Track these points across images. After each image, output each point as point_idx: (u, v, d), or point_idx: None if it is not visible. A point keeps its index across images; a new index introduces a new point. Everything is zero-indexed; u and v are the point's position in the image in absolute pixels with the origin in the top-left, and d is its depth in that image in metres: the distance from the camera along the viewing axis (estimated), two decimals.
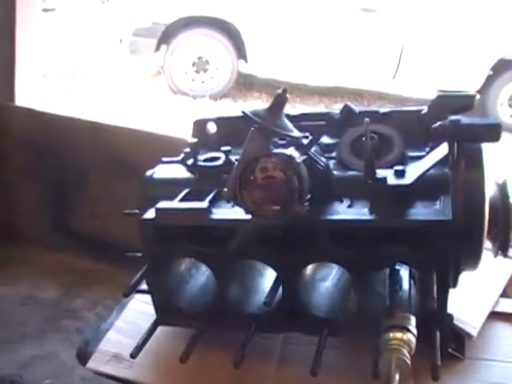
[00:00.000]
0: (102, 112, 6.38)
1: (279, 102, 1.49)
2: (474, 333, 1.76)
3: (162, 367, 1.71)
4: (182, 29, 7.52)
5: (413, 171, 1.53)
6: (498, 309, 1.88)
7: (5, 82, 4.11)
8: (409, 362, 1.40)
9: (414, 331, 1.44)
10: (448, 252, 1.48)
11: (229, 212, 1.57)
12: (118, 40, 8.07)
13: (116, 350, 1.75)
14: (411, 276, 1.63)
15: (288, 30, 7.42)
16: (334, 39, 7.39)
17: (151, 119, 6.41)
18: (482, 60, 7.28)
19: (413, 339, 1.43)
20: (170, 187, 1.72)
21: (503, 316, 1.87)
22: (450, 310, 1.56)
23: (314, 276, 1.70)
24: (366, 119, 1.48)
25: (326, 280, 1.73)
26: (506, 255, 1.59)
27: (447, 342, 1.65)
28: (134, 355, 1.61)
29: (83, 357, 1.77)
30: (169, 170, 1.80)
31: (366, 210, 1.50)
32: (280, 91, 1.50)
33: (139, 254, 1.74)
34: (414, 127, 1.72)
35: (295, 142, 1.49)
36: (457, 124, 1.49)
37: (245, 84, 8.16)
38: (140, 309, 1.87)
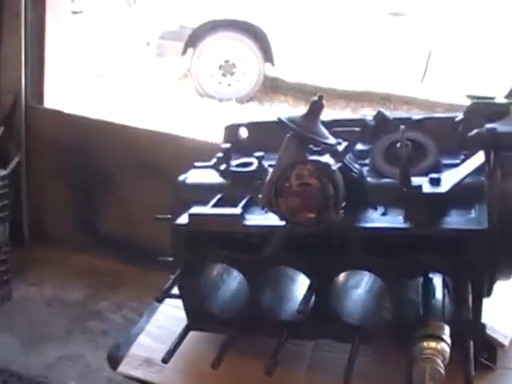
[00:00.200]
0: (129, 114, 6.39)
1: (315, 108, 1.48)
2: (506, 342, 1.74)
3: (192, 373, 1.71)
4: (209, 32, 7.53)
5: (448, 179, 1.52)
6: None
7: (34, 84, 4.15)
8: (443, 371, 1.39)
9: (448, 341, 1.43)
10: (483, 261, 1.46)
11: (262, 218, 1.57)
12: (145, 43, 8.09)
13: (147, 354, 1.74)
14: (445, 285, 1.62)
15: (315, 33, 7.40)
16: (361, 43, 7.35)
17: (178, 122, 6.42)
18: (511, 64, 7.23)
19: (447, 349, 1.42)
20: (202, 192, 1.72)
21: None
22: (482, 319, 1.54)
23: (346, 283, 1.69)
24: (402, 126, 1.48)
25: (359, 287, 1.73)
26: None
27: (479, 352, 1.63)
28: (165, 360, 1.60)
29: (114, 361, 1.76)
30: (201, 175, 1.80)
31: (400, 218, 1.49)
32: (316, 98, 1.49)
33: (171, 259, 1.74)
34: (448, 134, 1.71)
35: (330, 149, 1.49)
36: (493, 133, 1.48)
37: (271, 87, 8.15)
38: (170, 313, 1.87)
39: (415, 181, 1.49)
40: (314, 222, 1.42)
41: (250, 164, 1.72)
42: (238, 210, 1.58)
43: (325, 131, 1.50)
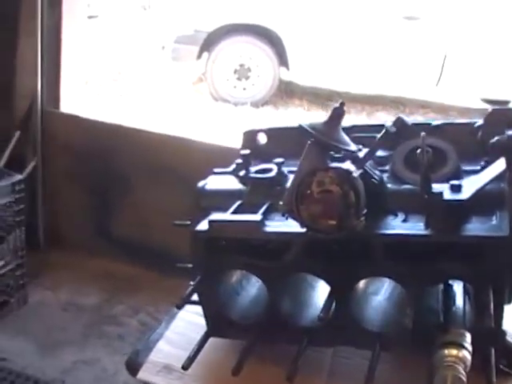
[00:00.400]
0: (144, 119, 6.41)
1: (336, 115, 1.48)
2: None
3: (212, 379, 1.71)
4: (224, 36, 7.55)
5: (469, 186, 1.51)
6: None
7: (50, 88, 4.16)
8: (464, 379, 1.38)
9: (470, 348, 1.42)
10: (504, 268, 1.46)
11: (282, 225, 1.57)
12: (160, 47, 8.12)
13: (166, 360, 1.74)
14: (465, 292, 1.61)
15: (330, 37, 7.41)
16: (376, 47, 7.35)
17: (192, 126, 6.42)
18: None
19: (468, 356, 1.41)
20: (222, 198, 1.72)
21: None
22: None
23: (366, 290, 1.69)
24: (423, 133, 1.47)
25: (378, 294, 1.72)
26: None
27: (498, 358, 1.62)
28: (185, 367, 1.60)
29: (133, 367, 1.76)
30: (221, 181, 1.80)
31: (421, 225, 1.49)
32: (337, 104, 1.49)
33: (190, 265, 1.74)
34: (468, 140, 1.70)
35: (351, 156, 1.48)
36: None
37: (286, 91, 8.16)
38: (189, 319, 1.87)
39: (436, 187, 1.48)
40: (335, 229, 1.41)
41: (270, 170, 1.72)
42: (258, 217, 1.57)
43: (346, 138, 1.50)
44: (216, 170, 1.86)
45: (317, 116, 7.42)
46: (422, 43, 7.35)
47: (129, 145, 4.04)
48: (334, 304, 1.55)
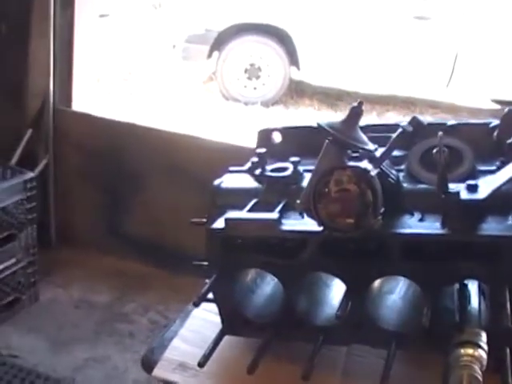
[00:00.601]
0: (154, 117, 6.42)
1: (354, 114, 1.48)
2: None
3: (227, 377, 1.71)
4: (235, 35, 7.56)
5: (485, 186, 1.51)
6: None
7: (62, 87, 4.17)
8: (480, 378, 1.38)
9: (485, 347, 1.42)
10: None
11: (299, 223, 1.57)
12: (171, 46, 8.13)
13: (181, 358, 1.75)
14: (480, 291, 1.61)
15: (341, 37, 7.40)
16: (387, 47, 7.34)
17: (203, 125, 6.43)
18: None
19: (484, 355, 1.41)
20: (237, 197, 1.72)
21: None
22: None
23: (381, 289, 1.69)
24: (440, 133, 1.48)
25: (393, 293, 1.72)
26: None
27: None
28: (201, 364, 1.61)
29: (148, 365, 1.77)
30: (236, 180, 1.80)
31: (437, 224, 1.49)
32: (355, 104, 1.49)
33: (205, 263, 1.74)
34: (483, 140, 1.70)
35: (368, 155, 1.49)
36: None
37: (296, 91, 8.15)
38: (204, 317, 1.87)
39: (453, 187, 1.48)
40: (352, 228, 1.42)
41: (286, 169, 1.72)
42: (274, 215, 1.58)
43: (363, 137, 1.50)
44: (231, 169, 1.86)
45: (327, 116, 7.43)
46: (432, 43, 7.33)
47: (140, 143, 4.05)
48: (349, 302, 1.56)
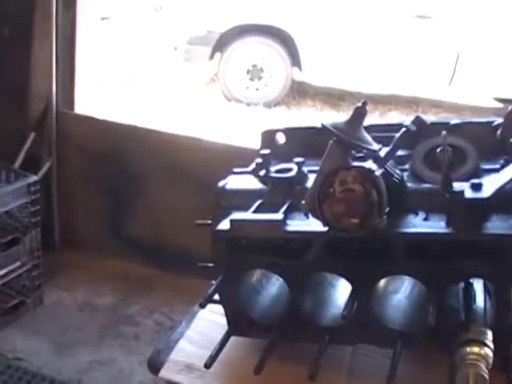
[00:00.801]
0: (157, 119, 6.42)
1: (358, 114, 1.48)
2: None
3: (234, 378, 1.72)
4: (237, 37, 7.56)
5: (489, 184, 1.51)
6: None
7: (65, 90, 4.18)
8: (487, 377, 1.38)
9: (491, 346, 1.43)
10: None
11: (304, 224, 1.57)
12: (172, 48, 8.14)
13: (188, 359, 1.75)
14: (485, 289, 1.61)
15: (342, 37, 7.41)
16: (388, 46, 7.35)
17: (205, 126, 6.44)
18: None
19: (490, 354, 1.42)
20: (242, 198, 1.72)
21: None
22: None
23: (386, 288, 1.69)
24: (444, 132, 1.48)
25: (398, 292, 1.73)
26: None
27: None
28: (208, 365, 1.61)
29: (155, 366, 1.77)
30: (241, 181, 1.80)
31: (442, 224, 1.49)
32: (359, 104, 1.49)
33: (211, 265, 1.75)
34: (486, 139, 1.71)
35: (372, 155, 1.49)
36: None
37: (298, 91, 8.16)
38: (210, 318, 1.87)
39: (457, 186, 1.49)
40: (357, 228, 1.42)
41: (290, 170, 1.73)
42: (279, 216, 1.58)
43: (368, 137, 1.51)
44: (236, 170, 1.87)
45: (329, 116, 7.43)
46: (434, 42, 7.33)
47: (143, 145, 4.05)
48: (355, 302, 1.56)
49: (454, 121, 1.78)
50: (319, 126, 1.54)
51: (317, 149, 1.59)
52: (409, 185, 1.62)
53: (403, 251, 1.51)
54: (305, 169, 1.71)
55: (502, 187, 1.49)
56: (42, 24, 3.98)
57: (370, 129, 1.71)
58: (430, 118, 1.85)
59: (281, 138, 1.92)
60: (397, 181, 1.54)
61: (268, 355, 1.61)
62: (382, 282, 1.66)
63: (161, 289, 4.07)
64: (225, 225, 1.63)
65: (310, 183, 1.59)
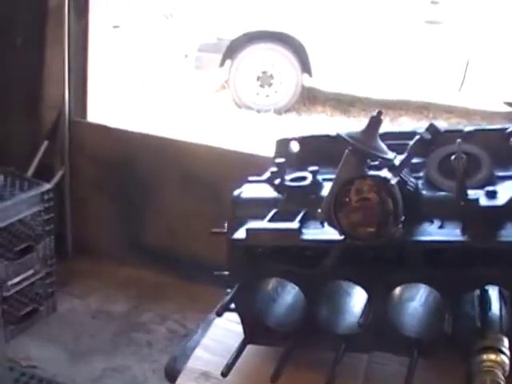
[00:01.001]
0: (168, 127, 6.44)
1: (374, 123, 1.49)
2: None
3: None
4: (247, 44, 7.59)
5: (504, 192, 1.52)
6: None
7: (77, 99, 4.20)
8: None
9: (508, 353, 1.43)
10: None
11: (319, 232, 1.57)
12: (183, 55, 8.16)
13: (204, 367, 1.75)
14: (501, 297, 1.62)
15: (352, 42, 7.42)
16: (398, 52, 7.35)
17: (216, 133, 6.45)
18: None
19: (507, 361, 1.42)
20: (257, 207, 1.72)
21: None
22: None
23: (401, 296, 1.69)
24: (459, 140, 1.48)
25: (414, 300, 1.73)
26: None
27: None
28: (224, 374, 1.61)
29: (171, 374, 1.78)
30: (256, 190, 1.81)
31: (457, 231, 1.49)
32: (375, 113, 1.50)
33: (226, 273, 1.75)
34: (500, 146, 1.70)
35: (387, 164, 1.50)
36: None
37: (309, 98, 8.17)
38: (226, 327, 1.87)
39: (471, 194, 1.49)
40: (373, 237, 1.42)
41: (305, 178, 1.73)
42: (295, 225, 1.58)
43: (383, 146, 1.51)
44: (250, 179, 1.87)
45: (340, 122, 7.44)
46: (444, 47, 7.34)
47: (155, 153, 4.07)
48: (371, 310, 1.56)
49: (468, 128, 1.78)
50: (333, 134, 1.55)
51: (331, 157, 1.59)
52: (424, 193, 1.62)
53: (419, 259, 1.51)
54: (319, 177, 1.71)
55: None
56: (54, 33, 4.01)
57: (383, 136, 1.72)
58: (443, 125, 1.86)
59: (295, 147, 1.93)
60: (411, 189, 1.55)
61: (284, 363, 1.61)
62: (398, 290, 1.66)
63: (173, 296, 4.09)
64: (241, 234, 1.64)
65: (324, 192, 1.59)
